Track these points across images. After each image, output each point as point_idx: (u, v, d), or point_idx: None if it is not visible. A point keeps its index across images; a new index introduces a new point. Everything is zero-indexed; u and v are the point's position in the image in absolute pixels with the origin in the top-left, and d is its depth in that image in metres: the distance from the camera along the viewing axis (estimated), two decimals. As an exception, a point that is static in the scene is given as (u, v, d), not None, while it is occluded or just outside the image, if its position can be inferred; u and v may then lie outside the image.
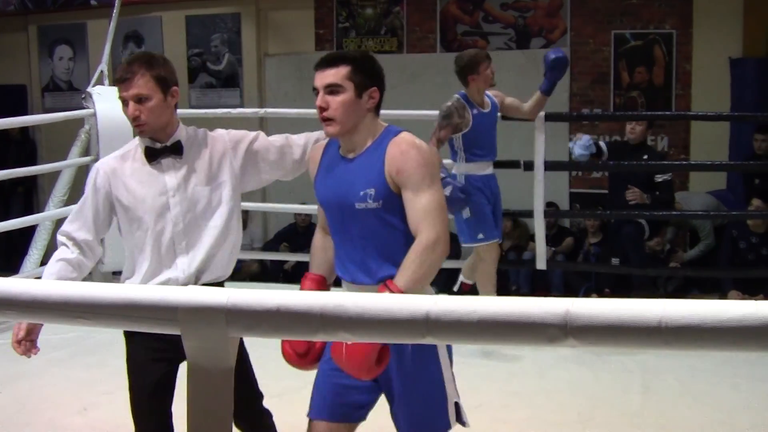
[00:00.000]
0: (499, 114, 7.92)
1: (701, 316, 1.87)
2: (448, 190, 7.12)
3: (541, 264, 8.25)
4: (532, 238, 9.87)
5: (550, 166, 8.14)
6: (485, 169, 7.74)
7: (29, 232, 9.23)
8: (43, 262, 9.19)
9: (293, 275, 12.36)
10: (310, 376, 6.44)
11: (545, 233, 8.53)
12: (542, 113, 7.95)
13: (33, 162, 13.82)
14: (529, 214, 8.28)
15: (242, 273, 12.76)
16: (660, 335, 1.89)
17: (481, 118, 7.69)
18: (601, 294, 10.79)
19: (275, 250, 12.75)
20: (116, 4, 9.61)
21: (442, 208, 3.58)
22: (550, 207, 10.53)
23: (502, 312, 1.98)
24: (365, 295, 2.09)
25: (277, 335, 2.21)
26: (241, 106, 13.51)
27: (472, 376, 6.42)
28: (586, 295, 10.95)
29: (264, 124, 13.51)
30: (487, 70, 7.71)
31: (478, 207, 7.51)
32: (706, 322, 1.86)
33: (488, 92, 7.83)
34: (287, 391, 6.26)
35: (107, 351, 6.82)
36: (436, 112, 9.24)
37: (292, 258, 11.95)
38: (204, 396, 2.24)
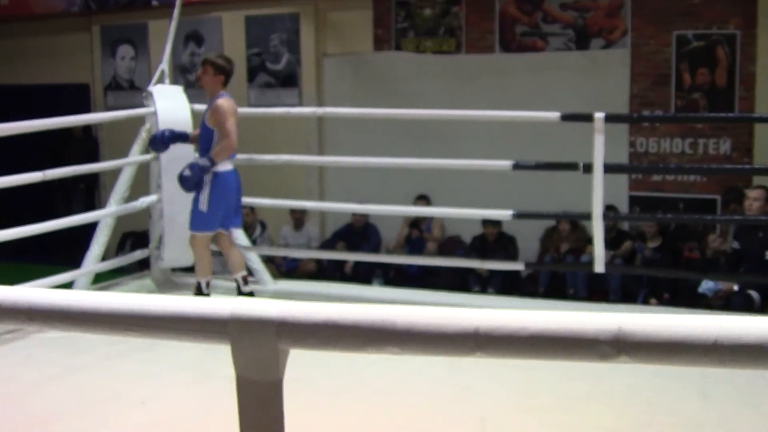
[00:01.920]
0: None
1: (759, 334, 1.81)
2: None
3: (599, 267, 8.16)
4: (590, 241, 9.79)
5: (609, 168, 8.04)
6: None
7: (91, 228, 9.29)
8: (104, 258, 9.27)
9: (352, 276, 12.38)
10: (365, 374, 6.45)
11: (604, 236, 8.45)
12: (602, 114, 7.85)
13: (95, 159, 13.93)
14: (588, 216, 8.19)
15: (299, 272, 12.79)
16: (716, 354, 1.84)
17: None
18: (660, 299, 10.70)
19: (332, 250, 12.75)
20: (177, 5, 9.67)
21: None
22: (610, 210, 10.43)
23: (553, 328, 1.94)
24: (415, 309, 2.06)
25: (326, 348, 2.19)
26: (300, 105, 13.55)
27: (526, 379, 6.37)
28: (645, 300, 10.86)
29: (321, 123, 13.55)
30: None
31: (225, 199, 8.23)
32: (764, 341, 1.80)
33: (218, 102, 7.99)
34: (343, 390, 6.27)
35: (165, 346, 6.84)
36: (495, 113, 9.25)
37: (348, 257, 11.94)
38: (254, 409, 2.22)
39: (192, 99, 9.17)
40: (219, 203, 8.08)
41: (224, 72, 8.10)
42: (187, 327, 2.20)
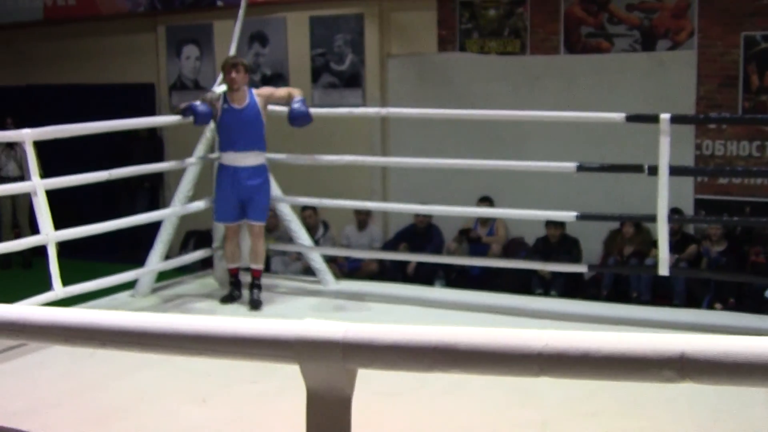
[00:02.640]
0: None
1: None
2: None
3: (663, 270, 8.09)
4: (654, 244, 9.70)
5: (675, 170, 7.97)
6: (233, 161, 8.71)
7: (155, 227, 9.36)
8: (167, 257, 9.35)
9: (413, 277, 12.37)
10: (426, 376, 6.42)
11: (668, 239, 8.36)
12: (668, 115, 7.77)
13: (160, 159, 14.04)
14: (653, 219, 8.12)
15: (361, 272, 12.80)
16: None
17: (228, 114, 8.67)
18: (725, 304, 10.58)
19: (395, 250, 12.75)
20: (242, 5, 9.73)
21: None
22: (675, 213, 10.32)
23: (616, 352, 1.93)
24: (479, 331, 2.05)
25: (393, 368, 2.19)
26: (363, 105, 13.57)
27: (588, 383, 6.32)
28: (710, 305, 10.74)
29: (385, 124, 13.55)
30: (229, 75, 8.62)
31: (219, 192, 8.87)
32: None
33: (254, 90, 8.83)
34: (404, 391, 6.26)
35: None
36: (559, 114, 9.21)
37: (411, 258, 11.92)
38: (322, 424, 2.23)
39: (255, 99, 9.24)
40: (218, 195, 8.88)
41: (250, 71, 9.01)
42: (254, 350, 2.23)
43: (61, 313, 2.51)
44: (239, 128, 8.52)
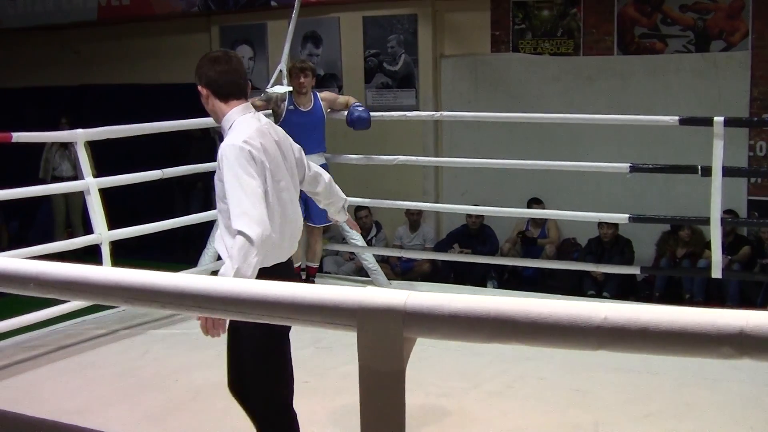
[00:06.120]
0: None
1: None
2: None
3: (716, 272, 8.06)
4: (707, 245, 9.67)
5: (728, 172, 7.94)
6: None
7: (208, 226, 9.45)
8: (219, 257, 9.42)
9: (466, 278, 12.39)
10: (479, 377, 6.47)
11: (722, 241, 8.33)
12: (721, 118, 7.75)
13: (213, 158, 14.06)
14: (706, 221, 8.09)
15: (414, 273, 12.85)
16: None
17: (295, 116, 8.84)
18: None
19: (447, 251, 12.78)
20: (296, 5, 9.77)
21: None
22: (728, 214, 10.27)
23: (675, 327, 1.95)
24: (540, 302, 2.08)
25: (452, 338, 2.22)
26: (417, 106, 13.58)
27: (641, 385, 6.33)
28: (763, 305, 10.68)
29: (439, 125, 13.57)
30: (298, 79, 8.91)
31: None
32: None
33: (319, 94, 9.12)
34: (453, 392, 6.29)
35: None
36: (613, 117, 9.21)
37: (463, 259, 11.95)
38: (376, 397, 2.26)
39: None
40: None
41: (317, 75, 9.44)
42: (314, 316, 2.27)
43: (122, 273, 2.56)
44: (305, 130, 8.59)
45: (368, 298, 2.18)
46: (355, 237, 9.61)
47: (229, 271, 4.09)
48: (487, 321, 2.07)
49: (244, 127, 4.49)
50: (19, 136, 7.45)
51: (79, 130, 7.74)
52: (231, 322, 4.26)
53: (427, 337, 2.20)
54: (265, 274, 4.26)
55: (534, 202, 12.65)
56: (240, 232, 4.14)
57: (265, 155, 4.43)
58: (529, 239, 13.06)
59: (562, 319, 2.02)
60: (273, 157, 4.49)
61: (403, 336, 2.17)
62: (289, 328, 4.32)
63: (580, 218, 9.82)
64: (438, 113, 11.13)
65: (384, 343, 2.18)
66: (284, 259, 4.56)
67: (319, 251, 9.25)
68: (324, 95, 9.11)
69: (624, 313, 2.00)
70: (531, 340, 2.10)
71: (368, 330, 2.18)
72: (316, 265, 9.25)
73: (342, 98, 9.33)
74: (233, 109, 4.57)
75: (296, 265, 9.05)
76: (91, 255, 7.98)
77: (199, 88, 4.63)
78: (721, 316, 1.96)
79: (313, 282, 9.10)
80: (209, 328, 4.17)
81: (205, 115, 4.84)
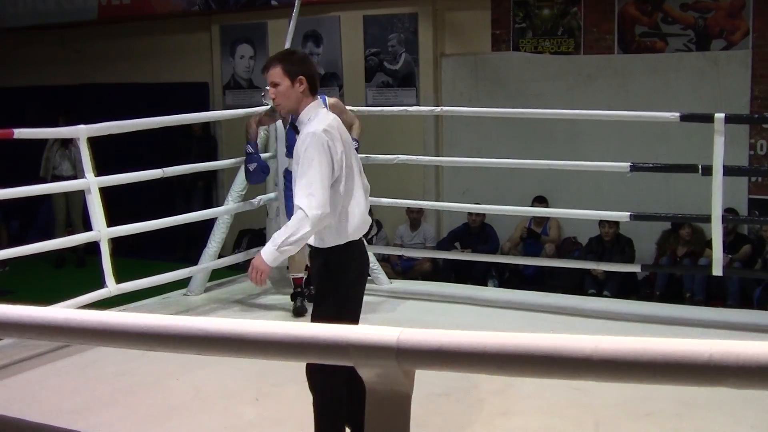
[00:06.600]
0: None
1: None
2: (252, 166, 8.85)
3: (717, 270, 8.06)
4: (708, 244, 9.66)
5: (729, 170, 7.93)
6: None
7: (208, 225, 9.45)
8: (221, 255, 9.42)
9: (466, 276, 12.39)
10: (477, 378, 6.46)
11: (722, 240, 8.32)
12: (722, 115, 7.75)
13: (214, 157, 14.14)
14: (707, 219, 8.09)
15: (414, 271, 12.85)
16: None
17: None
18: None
19: (448, 250, 12.77)
20: (296, 5, 9.77)
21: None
22: (729, 213, 10.25)
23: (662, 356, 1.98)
24: (528, 336, 2.09)
25: (448, 370, 2.24)
26: (417, 105, 13.56)
27: (641, 385, 6.31)
28: (759, 304, 10.65)
29: (439, 123, 13.56)
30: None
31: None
32: None
33: (328, 99, 8.39)
34: (456, 391, 6.29)
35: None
36: (613, 113, 9.20)
37: (464, 257, 11.94)
38: (380, 420, 2.28)
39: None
40: (288, 203, 8.34)
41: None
42: (310, 354, 2.33)
43: (106, 316, 2.54)
44: None
45: (360, 337, 2.20)
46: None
47: (281, 236, 4.76)
48: (481, 356, 2.10)
49: (324, 119, 4.99)
50: (21, 132, 7.44)
51: (82, 126, 7.71)
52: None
53: (425, 369, 2.22)
54: (341, 249, 5.07)
55: (538, 201, 12.66)
56: (301, 209, 4.70)
57: (341, 144, 4.93)
58: (533, 232, 13.04)
59: (549, 351, 2.04)
60: (345, 147, 4.99)
61: (400, 369, 2.19)
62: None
63: (581, 216, 9.82)
64: (438, 108, 11.14)
65: (383, 376, 2.22)
66: (357, 238, 5.21)
67: (300, 260, 8.62)
68: (333, 102, 8.49)
69: (614, 344, 2.01)
70: (522, 372, 2.12)
71: (365, 364, 2.22)
72: (300, 275, 8.80)
73: (350, 116, 8.72)
74: (313, 103, 5.05)
75: (299, 275, 8.95)
76: (91, 254, 7.98)
77: (296, 78, 4.99)
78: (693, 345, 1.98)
79: (303, 294, 8.84)
80: (257, 279, 4.93)
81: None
